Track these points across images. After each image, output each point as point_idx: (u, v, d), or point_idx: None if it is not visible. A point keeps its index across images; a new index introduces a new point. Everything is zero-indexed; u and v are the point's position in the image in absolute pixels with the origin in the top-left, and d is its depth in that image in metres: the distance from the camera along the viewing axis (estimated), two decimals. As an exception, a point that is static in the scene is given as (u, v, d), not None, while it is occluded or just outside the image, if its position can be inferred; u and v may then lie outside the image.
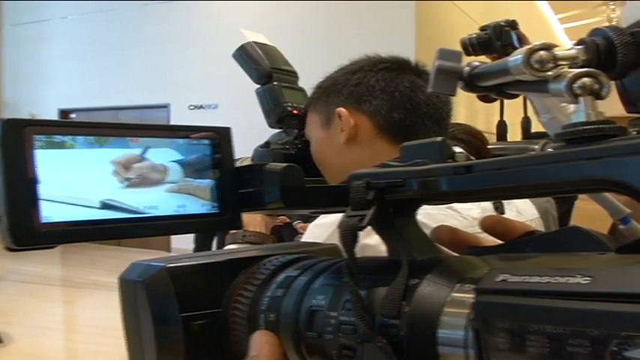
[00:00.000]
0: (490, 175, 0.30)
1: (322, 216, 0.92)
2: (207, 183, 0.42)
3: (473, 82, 0.42)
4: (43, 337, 4.76)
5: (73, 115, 9.36)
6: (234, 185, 0.42)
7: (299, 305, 0.36)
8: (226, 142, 0.44)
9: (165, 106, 8.25)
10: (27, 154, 0.38)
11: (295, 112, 1.23)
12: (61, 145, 0.39)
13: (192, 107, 8.09)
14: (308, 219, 1.38)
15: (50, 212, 0.38)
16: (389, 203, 0.34)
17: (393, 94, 0.97)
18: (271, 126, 1.25)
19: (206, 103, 8.05)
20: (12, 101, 9.80)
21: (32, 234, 0.38)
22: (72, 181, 0.38)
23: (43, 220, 0.38)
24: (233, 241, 1.23)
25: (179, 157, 0.42)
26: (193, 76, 8.15)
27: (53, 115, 9.29)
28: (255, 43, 1.26)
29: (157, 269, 0.41)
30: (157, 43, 8.40)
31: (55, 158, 0.38)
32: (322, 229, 0.89)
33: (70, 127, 0.40)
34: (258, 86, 1.26)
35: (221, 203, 0.42)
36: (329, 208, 0.42)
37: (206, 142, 0.43)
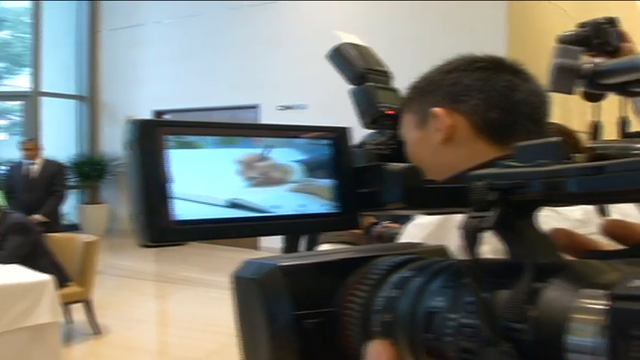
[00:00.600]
0: (625, 176, 0.29)
1: (420, 216, 0.92)
2: (327, 183, 0.43)
3: (595, 79, 0.41)
4: (137, 330, 5.00)
5: (166, 116, 9.78)
6: (353, 185, 0.43)
7: (416, 306, 0.36)
8: (345, 141, 0.44)
9: (254, 107, 8.44)
10: (160, 154, 0.39)
11: (389, 112, 1.22)
12: (190, 145, 0.41)
13: (280, 108, 8.22)
14: (398, 219, 1.37)
15: (182, 210, 0.40)
16: (511, 204, 0.33)
17: (489, 93, 0.96)
18: (365, 127, 1.26)
19: (295, 103, 8.15)
20: (110, 103, 10.38)
21: (166, 232, 0.40)
22: (200, 180, 0.40)
23: (176, 218, 0.40)
24: (326, 241, 1.25)
25: (300, 156, 0.42)
26: (282, 77, 8.27)
27: (147, 115, 9.75)
28: (349, 44, 1.27)
29: (270, 267, 0.42)
30: (247, 44, 8.61)
31: (184, 158, 0.40)
32: (420, 229, 0.89)
33: (199, 127, 0.42)
34: (352, 87, 1.26)
35: (341, 203, 0.43)
36: (446, 208, 0.42)
37: (325, 141, 0.44)
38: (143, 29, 9.80)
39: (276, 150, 0.42)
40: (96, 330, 4.58)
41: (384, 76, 1.28)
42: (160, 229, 0.40)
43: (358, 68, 1.25)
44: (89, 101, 10.46)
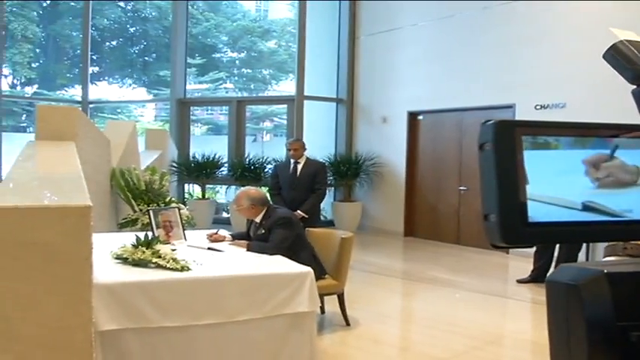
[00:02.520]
0: None
1: None
2: None
3: None
4: (384, 324, 5.17)
5: (420, 117, 9.94)
6: None
7: None
8: None
9: (510, 107, 8.17)
10: (518, 154, 0.40)
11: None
12: (545, 146, 0.40)
13: (538, 107, 7.82)
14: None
15: (535, 212, 0.40)
16: None
17: None
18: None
19: (553, 102, 7.69)
20: (366, 104, 10.90)
21: (520, 233, 0.41)
22: (553, 182, 0.40)
23: (530, 220, 0.40)
24: (613, 253, 1.15)
25: None
26: (539, 76, 7.87)
27: (402, 118, 10.02)
28: (627, 41, 1.15)
29: (594, 274, 0.40)
30: (501, 44, 8.35)
31: (539, 159, 0.40)
32: None
33: (556, 127, 0.41)
34: (634, 87, 1.14)
35: None
36: None
37: None
38: (399, 32, 10.09)
39: (622, 150, 0.40)
40: (346, 321, 4.84)
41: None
42: (515, 230, 0.40)
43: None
44: (347, 103, 11.11)
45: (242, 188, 4.85)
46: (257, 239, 4.39)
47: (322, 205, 7.01)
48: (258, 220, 4.48)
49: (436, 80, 9.41)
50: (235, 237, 4.67)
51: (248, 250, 4.21)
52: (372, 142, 10.67)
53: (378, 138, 10.58)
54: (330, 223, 10.39)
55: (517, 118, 8.03)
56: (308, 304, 3.51)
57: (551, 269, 6.30)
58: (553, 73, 7.72)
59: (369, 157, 10.46)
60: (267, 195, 4.77)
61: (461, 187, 9.18)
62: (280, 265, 3.80)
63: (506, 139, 0.38)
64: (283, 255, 4.03)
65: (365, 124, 10.93)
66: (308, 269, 3.61)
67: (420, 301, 6.34)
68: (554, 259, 6.22)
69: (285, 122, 11.94)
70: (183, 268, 3.33)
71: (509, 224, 0.37)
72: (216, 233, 4.66)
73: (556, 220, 0.37)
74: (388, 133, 10.37)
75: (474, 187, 8.92)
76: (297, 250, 4.29)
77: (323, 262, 4.62)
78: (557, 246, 6.05)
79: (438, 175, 9.61)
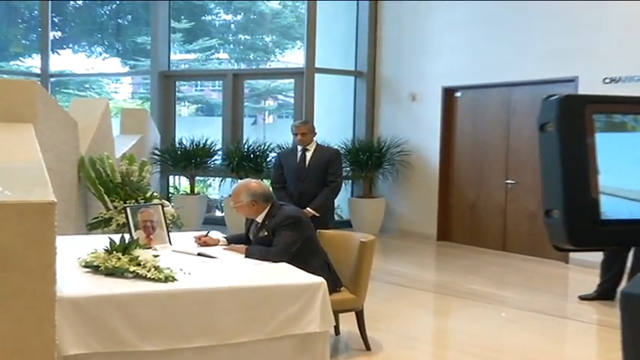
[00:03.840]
0: None
1: None
2: None
3: None
4: (411, 349, 5.14)
5: (457, 94, 9.90)
6: None
7: None
8: None
9: (571, 80, 8.10)
10: (588, 137, 0.38)
11: None
12: (621, 127, 0.39)
13: (607, 80, 7.75)
14: None
15: (609, 208, 0.38)
16: None
17: None
18: None
19: (626, 74, 7.61)
20: (391, 79, 10.86)
21: (590, 233, 0.39)
22: (630, 171, 0.38)
23: (603, 218, 0.39)
24: None
25: None
26: (607, 42, 7.79)
27: (436, 95, 9.98)
28: None
29: None
30: (561, 5, 8.26)
31: (613, 143, 0.38)
32: None
33: (636, 104, 0.39)
34: None
35: None
36: None
37: None
38: (432, -10, 10.04)
39: None
40: (366, 345, 4.83)
41: None
42: (584, 230, 0.39)
43: None
44: (368, 78, 11.09)
45: (241, 181, 4.86)
46: (258, 243, 4.40)
47: (337, 201, 7.00)
48: (259, 219, 4.48)
49: (478, 49, 9.36)
50: (231, 240, 4.69)
51: (247, 256, 4.22)
52: (399, 125, 10.64)
53: (405, 120, 10.54)
54: (346, 224, 10.38)
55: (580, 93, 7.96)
56: (320, 324, 3.51)
57: (623, 282, 6.26)
58: (625, 37, 7.63)
59: (395, 143, 10.44)
60: (271, 189, 4.78)
61: (508, 181, 9.14)
62: (286, 274, 3.80)
63: (575, 119, 0.36)
64: (290, 263, 4.03)
65: (390, 103, 10.90)
66: (320, 280, 3.61)
67: (456, 320, 6.32)
68: (627, 269, 6.16)
69: (291, 101, 11.93)
70: (167, 279, 3.33)
71: (578, 222, 0.35)
72: (206, 235, 4.68)
73: (635, 217, 0.36)
74: (418, 113, 10.33)
75: (524, 180, 8.88)
76: (307, 256, 4.29)
77: (338, 271, 4.62)
78: (631, 252, 6.00)
79: (480, 165, 9.58)
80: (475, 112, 9.67)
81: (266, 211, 4.47)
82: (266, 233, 4.38)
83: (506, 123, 9.18)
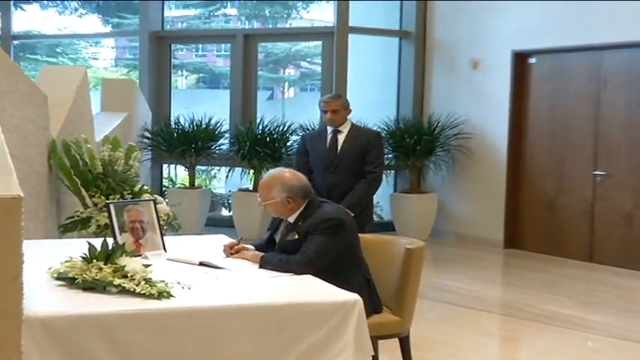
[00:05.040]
0: None
1: None
2: None
3: None
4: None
5: (532, 60, 9.83)
6: None
7: None
8: None
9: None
10: None
11: None
12: None
13: None
14: None
15: None
16: None
17: None
18: None
19: None
20: (446, 41, 10.80)
21: None
22: None
23: None
24: None
25: None
26: None
27: (503, 62, 9.91)
28: None
29: None
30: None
31: None
32: None
33: None
34: None
35: None
36: None
37: None
38: None
39: None
40: (414, 381, 4.83)
41: None
42: None
43: None
44: (416, 39, 11.07)
45: (271, 172, 4.70)
46: (284, 248, 4.32)
47: (376, 197, 7.00)
48: (292, 219, 4.42)
49: (556, 6, 9.28)
50: (258, 248, 4.62)
51: (262, 265, 4.21)
52: (456, 101, 10.60)
53: (465, 93, 10.50)
54: (387, 226, 10.38)
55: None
56: (354, 353, 3.50)
57: None
58: None
59: (451, 123, 10.41)
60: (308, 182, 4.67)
61: (597, 172, 9.09)
62: (310, 289, 3.79)
63: None
64: (317, 274, 4.00)
65: (444, 72, 10.86)
66: (354, 297, 3.59)
67: (528, 351, 6.30)
68: None
69: (318, 69, 11.94)
70: (161, 295, 3.35)
71: None
72: (238, 244, 4.59)
73: None
74: (481, 85, 10.30)
75: (617, 172, 8.81)
76: (346, 271, 4.21)
77: (377, 287, 4.60)
78: None
79: (561, 151, 9.54)
80: (554, 84, 9.62)
81: (301, 209, 4.40)
82: (296, 237, 4.28)
83: (595, 97, 9.12)
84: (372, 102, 10.94)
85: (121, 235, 4.40)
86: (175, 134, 10.44)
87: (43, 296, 3.34)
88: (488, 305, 7.41)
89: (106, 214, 5.05)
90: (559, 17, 9.30)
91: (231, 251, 4.49)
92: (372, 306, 4.29)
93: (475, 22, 10.34)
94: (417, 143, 10.25)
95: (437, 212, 10.55)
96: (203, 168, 11.97)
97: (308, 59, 13.92)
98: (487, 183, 10.21)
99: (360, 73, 11.07)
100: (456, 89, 10.64)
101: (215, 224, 10.22)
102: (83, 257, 3.59)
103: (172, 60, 12.03)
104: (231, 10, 14.19)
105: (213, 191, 11.88)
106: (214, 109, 10.98)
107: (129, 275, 3.43)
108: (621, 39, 8.60)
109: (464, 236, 10.39)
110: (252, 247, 4.56)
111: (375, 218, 9.03)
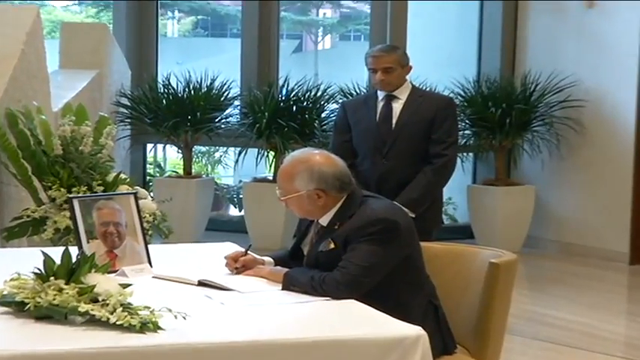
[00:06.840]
0: None
1: None
2: None
3: None
4: None
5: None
6: None
7: None
8: None
9: None
10: None
11: None
12: None
13: None
14: None
15: None
16: None
17: None
18: None
19: None
20: None
21: None
22: None
23: None
24: None
25: None
26: None
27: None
28: None
29: None
30: None
31: None
32: None
33: None
34: None
35: None
36: None
37: None
38: None
39: None
40: None
41: None
42: None
43: None
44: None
45: (294, 154, 4.61)
46: (315, 261, 4.32)
47: (446, 190, 7.00)
48: (325, 221, 4.40)
49: None
50: (280, 261, 4.63)
51: (285, 286, 4.23)
52: (562, 54, 10.58)
53: (574, 44, 10.47)
54: (463, 232, 10.42)
55: None
56: (416, 409, 3.54)
57: None
58: None
59: (555, 86, 10.38)
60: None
61: None
62: (355, 320, 3.83)
63: None
64: (363, 301, 4.03)
65: (546, 13, 10.83)
66: (416, 330, 3.62)
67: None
68: None
69: (366, 9, 11.97)
70: (144, 327, 3.39)
71: None
72: (245, 253, 4.59)
73: None
74: (598, 32, 10.26)
75: None
76: (403, 291, 4.25)
77: (448, 315, 4.62)
78: None
79: None
80: None
81: (338, 206, 4.35)
82: (332, 246, 4.24)
83: None
84: (443, 56, 10.97)
85: (88, 242, 4.45)
86: (164, 101, 10.48)
87: (-19, 327, 3.38)
88: (609, 344, 7.40)
89: (67, 214, 5.09)
90: None
91: (236, 265, 4.48)
92: (441, 343, 4.31)
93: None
94: (507, 114, 10.24)
95: (533, 213, 10.54)
96: (203, 149, 12.04)
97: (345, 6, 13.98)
98: (606, 173, 10.18)
99: (426, 16, 11.10)
100: (563, 38, 10.60)
101: (220, 228, 10.30)
102: (36, 274, 3.63)
103: (160, -3, 12.10)
104: None
105: (218, 182, 11.95)
106: (219, 65, 11.02)
107: (100, 299, 3.47)
108: None
109: (573, 247, 10.37)
110: (271, 261, 4.55)
111: (446, 220, 9.06)
